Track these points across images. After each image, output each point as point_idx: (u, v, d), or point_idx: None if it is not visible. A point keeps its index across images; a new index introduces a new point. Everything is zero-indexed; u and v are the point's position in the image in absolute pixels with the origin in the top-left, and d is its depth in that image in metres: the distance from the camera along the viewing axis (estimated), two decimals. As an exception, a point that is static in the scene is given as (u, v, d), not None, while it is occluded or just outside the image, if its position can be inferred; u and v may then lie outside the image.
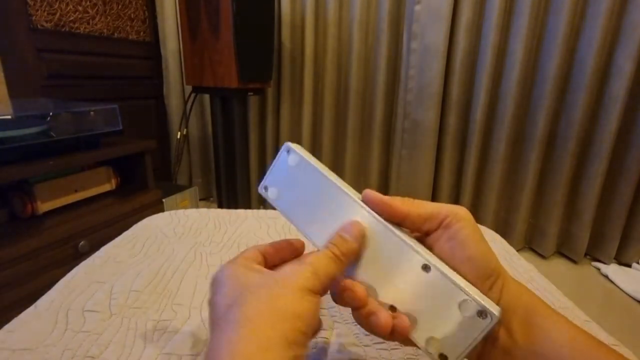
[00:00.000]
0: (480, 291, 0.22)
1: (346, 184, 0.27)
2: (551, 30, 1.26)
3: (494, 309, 0.21)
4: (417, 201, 0.25)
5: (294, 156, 0.27)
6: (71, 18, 1.31)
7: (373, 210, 0.25)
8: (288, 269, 0.22)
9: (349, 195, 0.25)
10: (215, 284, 0.23)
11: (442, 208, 0.24)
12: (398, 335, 0.23)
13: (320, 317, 0.36)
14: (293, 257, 0.27)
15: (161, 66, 1.70)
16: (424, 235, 0.25)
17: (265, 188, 0.28)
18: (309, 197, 0.26)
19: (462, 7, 1.31)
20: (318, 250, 0.23)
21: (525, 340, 0.22)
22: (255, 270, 0.23)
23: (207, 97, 1.68)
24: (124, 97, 1.55)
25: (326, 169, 0.27)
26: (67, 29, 1.30)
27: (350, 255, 0.24)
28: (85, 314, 0.36)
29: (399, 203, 0.25)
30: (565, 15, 1.22)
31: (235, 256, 0.25)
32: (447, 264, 0.23)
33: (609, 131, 1.27)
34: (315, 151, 1.69)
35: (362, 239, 0.24)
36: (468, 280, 0.22)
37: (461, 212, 0.24)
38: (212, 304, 0.23)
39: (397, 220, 0.25)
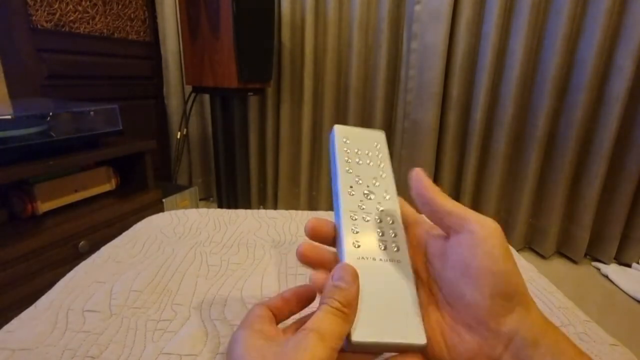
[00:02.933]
0: (494, 313, 0.21)
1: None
2: (551, 30, 1.26)
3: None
4: (449, 197, 0.25)
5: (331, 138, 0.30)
6: (71, 18, 1.31)
7: (412, 182, 0.26)
8: (292, 345, 0.20)
9: (339, 195, 0.27)
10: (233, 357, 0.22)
11: (472, 213, 0.23)
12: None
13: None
14: (302, 307, 0.27)
15: (161, 66, 1.70)
16: (444, 235, 0.25)
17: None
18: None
19: (462, 7, 1.31)
20: (318, 308, 0.21)
21: None
22: (270, 340, 0.22)
23: (207, 97, 1.69)
24: (124, 97, 1.55)
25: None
26: (67, 29, 1.30)
27: (353, 301, 0.21)
28: (85, 314, 0.36)
29: (432, 187, 0.25)
30: (565, 15, 1.22)
31: (246, 318, 0.24)
32: (461, 272, 0.22)
33: (609, 131, 1.27)
34: (315, 151, 1.69)
35: (357, 280, 0.22)
36: (482, 296, 0.21)
37: (493, 224, 0.22)
38: None
39: (421, 202, 0.25)
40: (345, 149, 0.29)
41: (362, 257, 0.24)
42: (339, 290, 0.21)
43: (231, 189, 1.49)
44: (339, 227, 0.25)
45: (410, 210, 0.28)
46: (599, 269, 1.38)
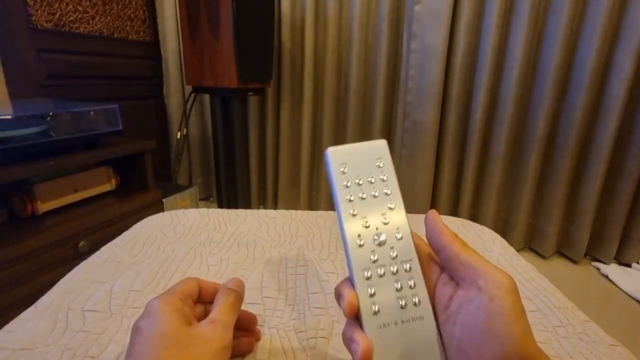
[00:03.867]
0: None
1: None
2: (551, 30, 1.26)
3: None
4: (467, 245, 0.24)
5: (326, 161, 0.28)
6: (71, 18, 1.31)
7: (426, 226, 0.25)
8: (201, 331, 0.25)
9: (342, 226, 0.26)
10: (137, 331, 0.24)
11: (486, 265, 0.22)
12: None
13: (320, 316, 0.36)
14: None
15: (161, 66, 1.70)
16: (455, 285, 0.24)
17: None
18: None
19: (462, 7, 1.31)
20: (218, 302, 0.28)
21: None
22: (179, 322, 0.25)
23: (207, 97, 1.69)
24: (124, 97, 1.55)
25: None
26: (67, 29, 1.30)
27: (241, 298, 0.30)
28: (85, 314, 0.36)
29: (448, 233, 0.24)
30: (565, 15, 1.22)
31: (175, 291, 0.27)
32: (468, 332, 0.21)
33: (609, 131, 1.27)
34: (315, 151, 1.69)
35: (243, 285, 0.31)
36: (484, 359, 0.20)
37: (505, 279, 0.21)
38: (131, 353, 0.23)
39: (436, 248, 0.25)
40: (344, 182, 0.27)
41: (383, 325, 0.23)
42: (236, 294, 0.29)
43: (231, 189, 1.49)
44: (356, 291, 0.24)
45: (423, 245, 0.27)
46: (598, 269, 1.38)
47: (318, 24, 1.53)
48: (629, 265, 1.39)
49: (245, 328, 0.32)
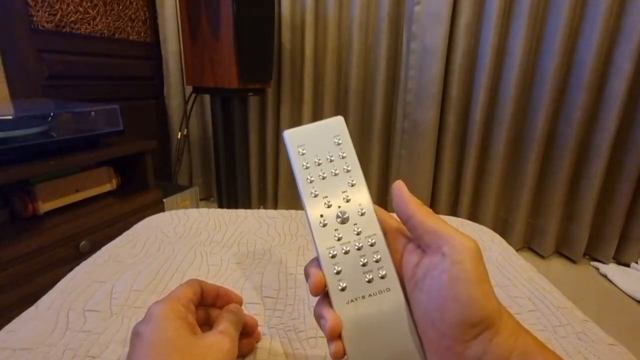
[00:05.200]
0: (459, 339, 0.20)
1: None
2: (550, 31, 1.27)
3: None
4: (433, 213, 0.24)
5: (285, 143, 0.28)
6: (72, 19, 1.31)
7: (393, 196, 0.25)
8: (209, 342, 0.25)
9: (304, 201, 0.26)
10: (138, 336, 0.24)
11: (450, 231, 0.22)
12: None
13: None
14: (220, 307, 0.31)
15: (162, 67, 1.70)
16: (422, 252, 0.24)
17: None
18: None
19: (462, 7, 1.31)
20: (225, 317, 0.28)
21: None
22: (184, 330, 0.25)
23: (207, 97, 1.69)
24: (125, 98, 1.55)
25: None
26: (67, 30, 1.30)
27: (240, 315, 0.30)
28: (86, 314, 0.36)
29: (414, 203, 0.24)
30: (564, 16, 1.22)
31: (178, 295, 0.27)
32: (433, 297, 0.22)
33: (608, 131, 1.27)
34: (315, 151, 1.69)
35: (241, 310, 0.31)
36: (448, 324, 0.21)
37: (468, 243, 0.21)
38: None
39: (402, 218, 0.25)
40: (303, 163, 0.27)
41: (351, 300, 0.24)
42: (239, 316, 0.29)
43: (231, 189, 1.49)
44: (322, 270, 0.24)
45: (388, 218, 0.27)
46: (597, 269, 1.38)
47: (318, 25, 1.53)
48: (627, 265, 1.39)
49: (245, 332, 0.32)
